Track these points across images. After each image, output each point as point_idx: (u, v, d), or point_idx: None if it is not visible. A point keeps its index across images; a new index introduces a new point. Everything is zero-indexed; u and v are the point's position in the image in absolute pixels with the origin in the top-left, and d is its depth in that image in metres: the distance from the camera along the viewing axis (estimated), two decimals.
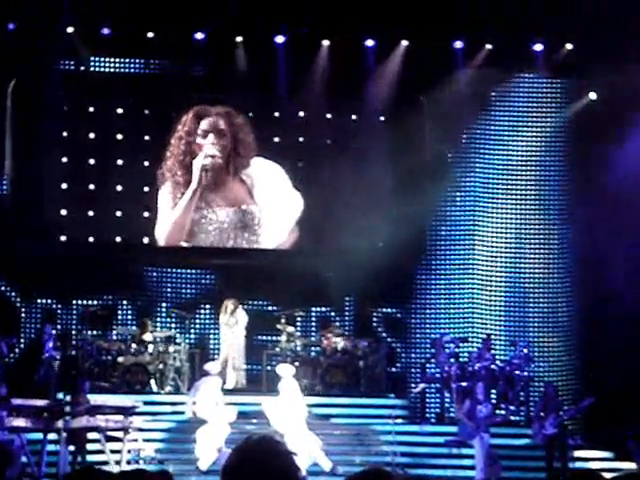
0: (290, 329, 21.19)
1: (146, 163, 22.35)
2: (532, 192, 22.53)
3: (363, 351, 20.95)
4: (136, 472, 3.81)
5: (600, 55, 20.65)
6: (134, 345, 20.70)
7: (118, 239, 22.23)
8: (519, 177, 22.53)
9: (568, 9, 20.11)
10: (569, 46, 21.49)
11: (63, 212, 22.15)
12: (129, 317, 22.08)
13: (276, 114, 22.70)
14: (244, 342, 20.73)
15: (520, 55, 21.32)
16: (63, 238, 22.11)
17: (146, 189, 22.23)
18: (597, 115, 21.63)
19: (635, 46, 20.05)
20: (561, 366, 22.10)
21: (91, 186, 22.27)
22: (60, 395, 18.73)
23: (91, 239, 22.27)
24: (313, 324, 22.30)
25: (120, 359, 20.42)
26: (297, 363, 20.42)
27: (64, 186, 22.19)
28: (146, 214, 22.19)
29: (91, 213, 22.25)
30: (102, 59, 22.10)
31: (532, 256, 22.45)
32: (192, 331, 21.97)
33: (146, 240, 22.16)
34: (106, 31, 20.97)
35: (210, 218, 22.31)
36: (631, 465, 17.55)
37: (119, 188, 22.29)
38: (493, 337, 21.74)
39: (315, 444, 17.33)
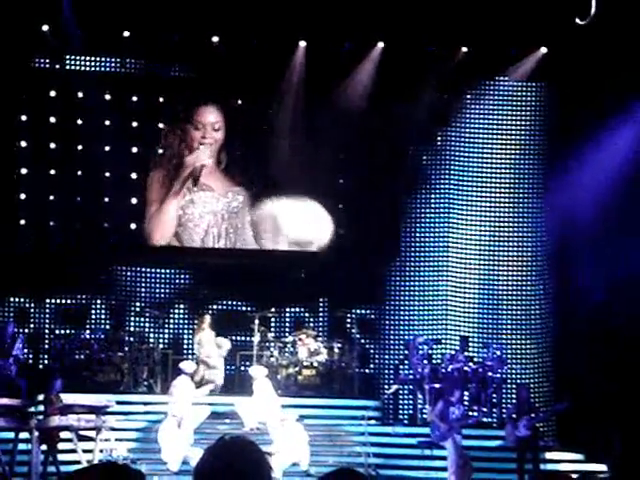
0: (264, 330, 21.20)
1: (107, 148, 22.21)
2: (506, 195, 22.62)
3: (336, 352, 20.97)
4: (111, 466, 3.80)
5: (575, 58, 20.80)
6: (107, 344, 20.65)
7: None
8: (494, 180, 22.62)
9: (542, 13, 20.20)
10: (543, 49, 21.59)
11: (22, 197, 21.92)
12: (102, 316, 22.01)
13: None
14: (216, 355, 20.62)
15: (495, 58, 21.38)
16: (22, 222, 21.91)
17: (107, 174, 22.04)
18: (573, 118, 21.74)
19: (609, 50, 20.18)
20: (534, 368, 22.20)
21: (51, 197, 22.05)
22: (32, 394, 18.64)
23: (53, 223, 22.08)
24: (287, 325, 22.32)
25: (93, 358, 20.37)
26: (271, 364, 20.43)
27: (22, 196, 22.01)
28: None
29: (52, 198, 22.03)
30: (77, 57, 21.99)
31: (506, 259, 22.55)
32: (166, 331, 21.93)
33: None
34: (81, 29, 20.87)
35: (193, 212, 22.28)
36: (601, 467, 17.67)
37: (78, 199, 22.08)
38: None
39: (295, 443, 17.34)
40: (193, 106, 22.23)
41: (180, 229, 22.31)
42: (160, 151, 22.26)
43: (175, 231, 22.27)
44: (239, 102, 22.42)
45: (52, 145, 21.90)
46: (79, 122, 21.91)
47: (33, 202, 21.94)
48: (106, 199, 22.10)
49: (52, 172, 21.92)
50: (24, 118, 21.83)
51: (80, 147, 21.96)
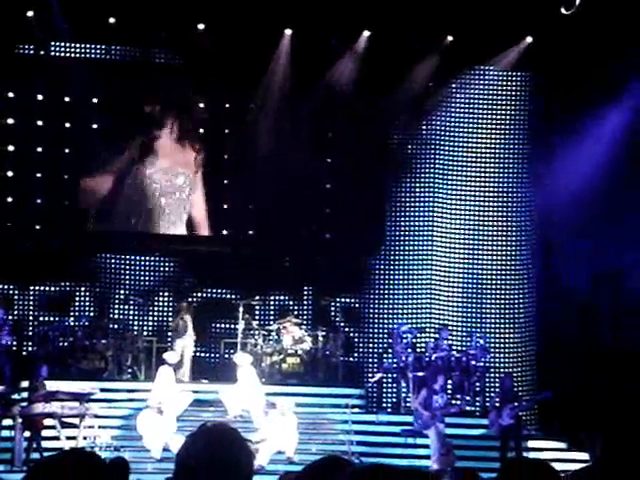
0: (248, 317, 21.22)
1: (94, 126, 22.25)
2: (491, 184, 22.66)
3: (320, 340, 21.01)
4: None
5: (560, 48, 20.83)
6: (91, 331, 20.65)
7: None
8: (478, 169, 22.65)
9: (527, 2, 20.22)
10: (529, 39, 21.61)
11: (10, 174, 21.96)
12: (87, 303, 21.98)
13: (227, 105, 22.70)
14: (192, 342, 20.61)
15: (480, 47, 21.38)
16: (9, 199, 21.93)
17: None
18: (557, 107, 21.79)
19: (595, 39, 20.21)
20: (517, 357, 22.27)
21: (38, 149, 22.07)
22: (16, 381, 18.63)
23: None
24: (271, 313, 22.34)
25: (77, 345, 20.37)
26: (255, 351, 20.46)
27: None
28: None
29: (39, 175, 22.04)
30: (62, 44, 21.93)
31: (490, 248, 22.60)
32: (150, 319, 21.92)
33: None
34: (67, 16, 20.80)
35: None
36: (583, 455, 17.73)
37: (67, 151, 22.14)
38: (450, 328, 21.89)
39: (279, 432, 17.37)
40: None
41: (129, 207, 22.36)
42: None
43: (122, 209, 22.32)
44: (224, 91, 22.38)
45: (39, 122, 21.87)
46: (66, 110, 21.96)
47: (19, 180, 21.91)
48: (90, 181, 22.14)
49: (39, 150, 21.89)
50: (11, 95, 21.79)
51: (68, 125, 21.95)
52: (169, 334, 21.38)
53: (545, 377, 21.34)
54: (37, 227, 21.95)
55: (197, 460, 3.79)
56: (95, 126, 22.20)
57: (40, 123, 21.95)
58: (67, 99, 21.99)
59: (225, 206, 22.74)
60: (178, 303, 21.00)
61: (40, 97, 21.92)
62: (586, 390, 19.99)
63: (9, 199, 21.94)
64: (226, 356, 20.94)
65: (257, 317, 21.96)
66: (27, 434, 17.32)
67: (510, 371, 21.07)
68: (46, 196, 22.01)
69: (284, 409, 17.59)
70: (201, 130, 22.65)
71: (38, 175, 22.02)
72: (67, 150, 22.14)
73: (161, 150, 22.41)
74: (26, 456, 17.16)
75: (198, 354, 20.99)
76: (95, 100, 22.08)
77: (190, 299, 21.49)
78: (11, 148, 21.99)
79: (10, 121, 21.91)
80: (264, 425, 17.57)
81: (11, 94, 21.86)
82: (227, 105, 22.68)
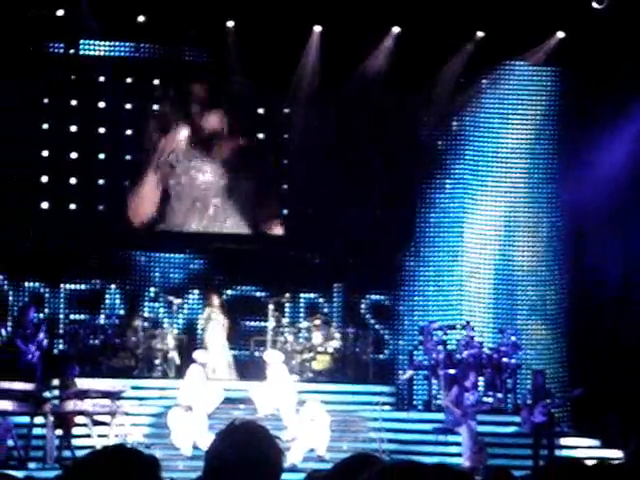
0: (278, 315, 21.20)
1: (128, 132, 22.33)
2: (522, 180, 22.52)
3: (351, 338, 20.94)
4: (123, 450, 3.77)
5: (591, 43, 20.68)
6: (122, 329, 20.69)
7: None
8: (509, 164, 22.52)
9: None
10: (560, 34, 21.45)
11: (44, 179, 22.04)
12: (117, 301, 22.02)
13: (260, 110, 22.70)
14: (224, 334, 20.57)
15: (512, 43, 21.24)
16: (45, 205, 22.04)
17: (128, 157, 22.20)
18: (588, 102, 21.63)
19: (626, 34, 20.06)
20: (549, 354, 22.12)
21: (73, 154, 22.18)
22: (47, 379, 18.69)
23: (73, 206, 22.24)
24: (301, 310, 22.29)
25: (107, 343, 20.42)
26: (285, 349, 20.42)
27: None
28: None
29: (73, 181, 22.14)
30: (91, 42, 21.98)
31: (521, 244, 22.46)
32: (180, 316, 21.93)
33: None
34: (97, 14, 20.85)
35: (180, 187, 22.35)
36: (617, 453, 17.59)
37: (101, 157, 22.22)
38: (481, 325, 21.78)
39: (310, 429, 17.33)
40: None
41: (167, 208, 22.37)
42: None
43: (159, 210, 22.28)
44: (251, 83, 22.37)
45: (73, 128, 21.96)
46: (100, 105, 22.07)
47: (54, 186, 22.01)
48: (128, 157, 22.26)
49: (73, 155, 22.00)
50: (46, 101, 21.90)
51: (102, 130, 22.04)
52: (199, 332, 21.39)
53: (577, 373, 21.19)
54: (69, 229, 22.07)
55: (226, 458, 3.75)
56: (129, 132, 22.28)
57: (74, 129, 22.04)
58: (102, 105, 22.09)
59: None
60: (208, 295, 20.89)
61: (74, 102, 22.01)
62: (619, 386, 19.83)
63: (44, 205, 22.04)
64: (256, 354, 20.91)
65: (287, 315, 21.93)
66: (59, 432, 17.37)
67: (542, 368, 20.93)
68: (80, 201, 22.13)
69: (315, 407, 17.54)
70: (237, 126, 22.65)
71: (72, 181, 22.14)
72: (102, 156, 22.25)
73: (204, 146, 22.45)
74: (58, 454, 17.21)
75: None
76: (128, 106, 22.16)
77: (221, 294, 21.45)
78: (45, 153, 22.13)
79: (45, 126, 22.03)
80: (295, 423, 17.53)
81: (46, 100, 21.95)
82: (257, 104, 22.63)
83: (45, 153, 22.05)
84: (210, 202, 22.54)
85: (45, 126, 22.03)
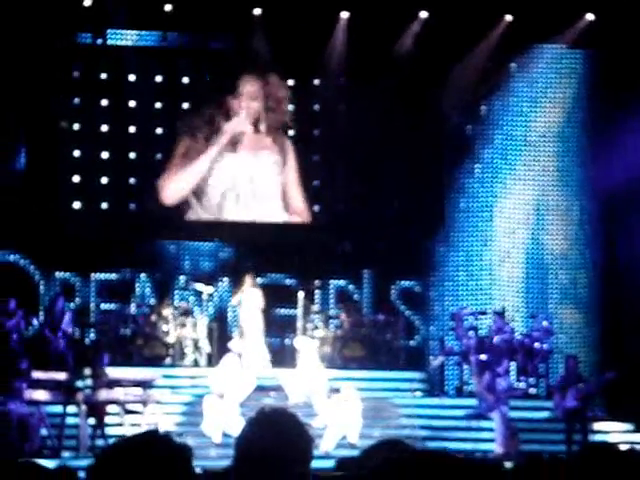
0: (308, 302, 21.18)
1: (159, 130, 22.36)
2: (552, 164, 22.38)
3: (381, 324, 20.90)
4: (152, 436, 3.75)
5: (621, 25, 20.50)
6: (152, 318, 20.74)
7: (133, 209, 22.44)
8: (539, 149, 22.38)
9: None
10: (590, 16, 21.26)
11: (76, 179, 22.21)
12: (147, 290, 22.07)
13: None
14: (261, 318, 20.53)
15: (540, 26, 21.08)
16: (77, 205, 22.18)
17: (159, 156, 22.32)
18: (619, 85, 21.44)
19: None
20: (581, 338, 21.99)
21: (105, 154, 22.26)
22: (79, 368, 18.75)
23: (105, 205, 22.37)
24: (331, 297, 22.26)
25: (138, 332, 20.48)
26: (315, 336, 20.42)
27: (77, 154, 22.23)
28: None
29: (105, 180, 22.26)
30: (119, 32, 22.04)
31: (551, 228, 22.33)
32: (210, 304, 21.94)
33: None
34: (123, 3, 20.87)
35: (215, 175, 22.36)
36: None
37: (132, 156, 22.31)
38: (513, 310, 21.68)
39: (342, 417, 17.31)
40: (234, 77, 22.27)
41: (198, 192, 22.39)
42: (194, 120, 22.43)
43: (193, 194, 22.32)
44: (279, 74, 22.36)
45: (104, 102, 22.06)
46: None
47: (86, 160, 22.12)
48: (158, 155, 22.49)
49: (103, 129, 22.26)
50: (76, 74, 22.05)
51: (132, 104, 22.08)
52: (229, 319, 21.41)
53: (610, 357, 21.07)
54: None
55: (256, 445, 3.73)
56: (159, 131, 22.34)
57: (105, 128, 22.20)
58: (132, 104, 22.20)
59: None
60: (241, 280, 20.73)
61: (105, 102, 22.13)
62: None
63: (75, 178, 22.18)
64: (286, 341, 20.91)
65: (317, 302, 21.91)
66: (91, 421, 17.45)
67: (574, 352, 20.82)
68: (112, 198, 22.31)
69: (350, 393, 17.52)
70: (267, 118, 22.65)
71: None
72: (132, 155, 22.35)
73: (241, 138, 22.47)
74: (91, 443, 17.28)
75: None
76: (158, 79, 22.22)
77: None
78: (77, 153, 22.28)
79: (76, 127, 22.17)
80: (326, 410, 17.52)
81: (77, 99, 22.09)
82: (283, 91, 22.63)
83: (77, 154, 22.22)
84: (241, 191, 22.53)
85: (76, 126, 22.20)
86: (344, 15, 21.41)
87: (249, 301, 20.09)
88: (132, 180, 22.54)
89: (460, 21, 20.68)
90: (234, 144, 22.33)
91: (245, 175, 22.52)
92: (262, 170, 22.55)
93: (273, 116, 22.51)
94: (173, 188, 22.18)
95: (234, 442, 3.88)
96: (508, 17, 21.28)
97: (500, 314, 20.61)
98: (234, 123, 22.18)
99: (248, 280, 20.33)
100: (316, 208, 22.84)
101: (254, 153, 22.56)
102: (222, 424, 17.24)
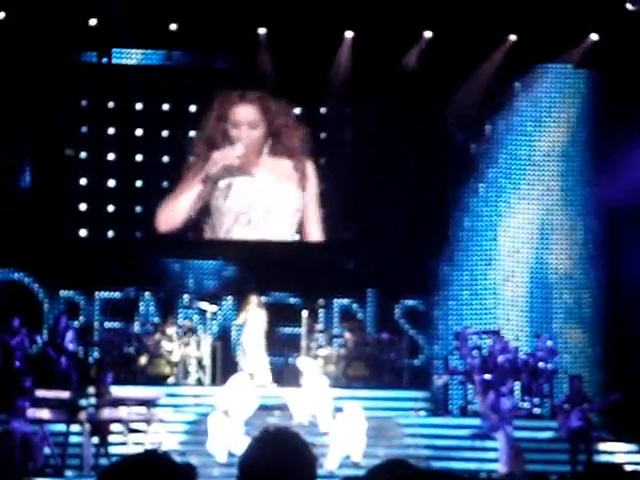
0: (312, 321, 21.15)
1: (165, 159, 22.49)
2: (556, 183, 22.38)
3: (385, 343, 20.86)
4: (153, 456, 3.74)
5: (625, 45, 20.54)
6: (156, 337, 20.72)
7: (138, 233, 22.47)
8: (543, 168, 22.38)
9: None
10: (594, 36, 21.30)
11: (83, 207, 22.27)
12: (151, 309, 22.07)
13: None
14: (263, 337, 20.44)
15: (544, 45, 21.12)
16: (83, 232, 22.25)
17: (165, 184, 22.40)
18: (622, 105, 21.47)
19: None
20: (585, 358, 21.94)
21: (111, 182, 22.32)
22: (83, 387, 18.74)
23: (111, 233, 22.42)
24: (335, 316, 22.24)
25: (142, 351, 20.45)
26: (319, 355, 20.39)
27: (83, 182, 22.29)
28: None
29: (111, 208, 22.37)
30: (124, 51, 22.11)
31: (555, 248, 22.31)
32: (214, 323, 21.93)
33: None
34: (129, 23, 20.93)
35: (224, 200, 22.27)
36: None
37: (139, 184, 22.35)
38: (517, 329, 21.65)
39: (346, 436, 17.27)
40: (230, 104, 22.20)
41: (206, 218, 22.33)
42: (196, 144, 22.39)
43: (194, 220, 22.23)
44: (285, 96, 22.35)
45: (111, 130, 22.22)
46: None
47: (92, 188, 22.31)
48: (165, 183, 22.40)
49: (110, 157, 22.25)
50: (84, 103, 22.20)
51: (139, 132, 22.21)
52: (233, 338, 21.39)
53: (614, 378, 21.02)
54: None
55: (259, 465, 3.72)
56: (165, 159, 22.29)
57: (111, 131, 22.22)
58: (139, 105, 22.26)
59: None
60: (245, 299, 20.69)
61: (111, 104, 22.19)
62: None
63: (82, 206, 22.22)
64: (290, 360, 20.87)
65: (321, 321, 21.89)
66: (95, 440, 17.42)
67: (579, 372, 20.77)
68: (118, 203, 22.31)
69: (355, 412, 17.48)
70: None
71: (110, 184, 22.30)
72: (139, 183, 22.42)
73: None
74: (94, 462, 17.26)
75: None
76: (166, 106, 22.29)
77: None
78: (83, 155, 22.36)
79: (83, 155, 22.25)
80: (331, 429, 17.48)
81: (84, 128, 22.15)
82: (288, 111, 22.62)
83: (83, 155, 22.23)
84: (253, 216, 22.42)
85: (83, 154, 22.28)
86: (349, 35, 21.44)
87: (254, 321, 20.05)
88: (138, 208, 22.53)
89: (464, 40, 20.72)
90: (243, 168, 22.15)
91: (261, 201, 22.37)
92: (279, 197, 22.39)
93: (283, 141, 22.37)
94: (165, 215, 22.12)
95: (238, 461, 3.87)
96: (512, 37, 21.31)
97: (496, 333, 20.58)
98: (225, 152, 22.04)
99: (253, 300, 20.30)
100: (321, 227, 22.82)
101: (273, 178, 22.42)
102: (227, 443, 17.20)
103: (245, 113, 22.22)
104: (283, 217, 22.51)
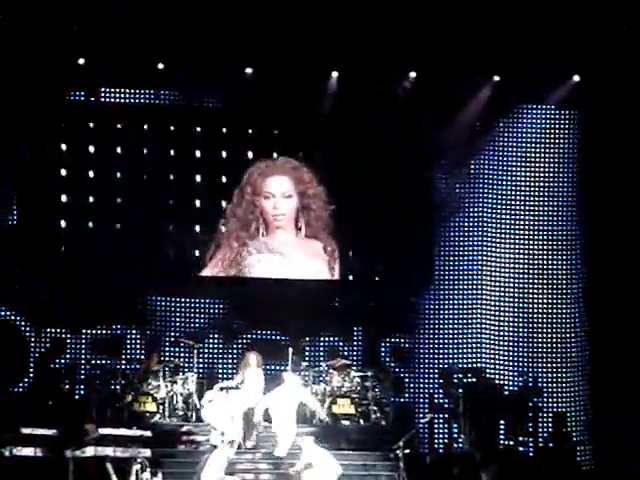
0: (297, 358, 21.19)
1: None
2: (540, 222, 22.55)
3: (370, 381, 20.87)
4: None
5: (608, 85, 20.81)
6: (142, 374, 20.74)
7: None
8: (527, 207, 22.56)
9: (576, 41, 20.26)
10: (576, 77, 21.56)
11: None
12: (137, 346, 22.11)
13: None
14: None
15: (527, 86, 21.38)
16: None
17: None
18: (607, 143, 21.71)
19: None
20: (571, 396, 22.04)
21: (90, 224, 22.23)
22: (68, 424, 18.74)
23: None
24: (321, 354, 22.30)
25: (128, 389, 20.48)
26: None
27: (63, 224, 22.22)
28: None
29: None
30: (112, 90, 22.22)
31: (541, 285, 22.45)
32: (200, 360, 21.97)
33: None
34: (116, 62, 21.07)
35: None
36: None
37: (118, 226, 22.22)
38: (502, 367, 21.75)
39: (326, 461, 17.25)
40: (260, 177, 22.02)
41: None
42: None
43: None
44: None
45: (91, 174, 22.09)
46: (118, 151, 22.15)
47: (73, 229, 22.11)
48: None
49: (91, 199, 22.07)
50: (64, 147, 22.08)
51: (119, 175, 22.16)
52: (219, 376, 21.42)
53: (600, 417, 21.11)
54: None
55: None
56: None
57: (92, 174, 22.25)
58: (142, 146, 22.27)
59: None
60: (246, 354, 20.20)
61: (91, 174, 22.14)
62: None
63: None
64: None
65: (307, 358, 21.94)
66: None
67: (563, 410, 20.86)
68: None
69: (313, 450, 17.32)
70: None
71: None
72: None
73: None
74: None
75: None
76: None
77: (247, 345, 21.41)
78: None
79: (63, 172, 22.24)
80: (310, 454, 17.36)
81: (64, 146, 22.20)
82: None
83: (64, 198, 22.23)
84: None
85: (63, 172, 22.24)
86: (335, 74, 21.64)
87: (252, 380, 19.62)
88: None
89: (448, 81, 20.95)
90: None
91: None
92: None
93: (313, 215, 22.16)
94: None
95: None
96: (496, 77, 21.55)
97: (479, 373, 20.71)
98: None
99: (252, 359, 19.84)
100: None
101: (303, 261, 22.20)
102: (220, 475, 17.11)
103: (277, 182, 21.95)
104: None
